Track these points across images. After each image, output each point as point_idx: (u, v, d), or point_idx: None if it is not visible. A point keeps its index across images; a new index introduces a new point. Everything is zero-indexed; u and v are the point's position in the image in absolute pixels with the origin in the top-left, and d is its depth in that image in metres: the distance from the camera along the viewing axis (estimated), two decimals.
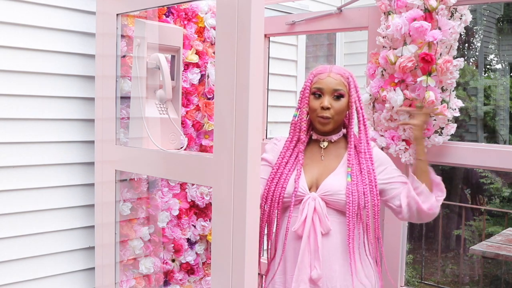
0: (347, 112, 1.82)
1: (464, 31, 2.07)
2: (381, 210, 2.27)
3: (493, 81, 7.92)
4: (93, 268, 2.16)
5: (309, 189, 1.77)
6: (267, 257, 1.88)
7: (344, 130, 1.86)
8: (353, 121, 1.80)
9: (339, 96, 1.76)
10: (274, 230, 1.82)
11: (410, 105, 2.01)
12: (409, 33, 1.97)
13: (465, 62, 7.73)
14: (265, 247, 1.92)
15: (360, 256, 1.76)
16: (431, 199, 1.77)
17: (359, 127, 1.81)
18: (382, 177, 1.81)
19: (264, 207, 1.80)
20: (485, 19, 8.32)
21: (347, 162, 1.77)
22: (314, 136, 1.85)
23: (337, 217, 1.76)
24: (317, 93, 1.77)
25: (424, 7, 1.94)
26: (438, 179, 1.83)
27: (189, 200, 2.30)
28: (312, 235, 1.72)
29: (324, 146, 1.83)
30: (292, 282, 1.71)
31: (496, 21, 8.49)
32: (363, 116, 1.80)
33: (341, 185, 1.74)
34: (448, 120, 2.03)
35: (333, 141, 1.84)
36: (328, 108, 1.75)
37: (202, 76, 2.31)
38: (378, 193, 1.77)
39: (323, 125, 1.77)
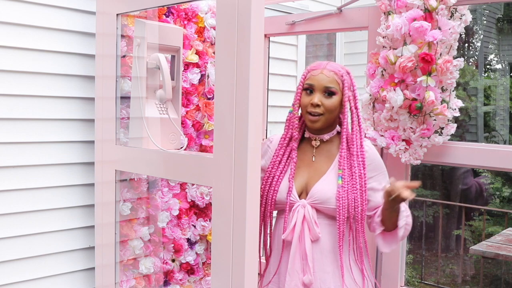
0: (341, 110, 1.77)
1: (464, 31, 2.08)
2: None
3: (493, 81, 7.92)
4: (93, 268, 2.16)
5: (299, 195, 1.75)
6: (265, 257, 1.88)
7: (338, 128, 1.82)
8: (346, 121, 1.75)
9: (330, 93, 1.72)
10: (268, 232, 1.83)
11: (410, 106, 2.01)
12: (409, 33, 1.97)
13: (465, 62, 7.73)
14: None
15: (350, 260, 1.74)
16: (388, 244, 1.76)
17: (353, 128, 1.76)
18: (369, 185, 1.77)
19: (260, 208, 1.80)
20: (485, 19, 8.32)
21: (338, 165, 1.73)
22: (307, 134, 1.83)
23: (328, 220, 1.74)
24: (309, 89, 1.74)
25: (424, 7, 1.95)
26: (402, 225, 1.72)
27: (189, 200, 2.30)
28: (302, 241, 1.71)
29: (316, 145, 1.80)
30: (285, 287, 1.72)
31: (496, 21, 8.49)
32: (358, 116, 1.75)
33: (330, 191, 1.71)
34: (448, 120, 2.03)
35: (325, 140, 1.80)
36: (318, 105, 1.71)
37: (202, 76, 2.31)
38: (366, 200, 1.73)
39: (313, 122, 1.73)
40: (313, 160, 1.80)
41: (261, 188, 1.79)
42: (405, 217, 1.72)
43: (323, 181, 1.74)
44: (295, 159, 1.77)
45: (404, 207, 1.73)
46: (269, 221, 1.80)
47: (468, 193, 6.72)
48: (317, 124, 1.74)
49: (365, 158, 1.75)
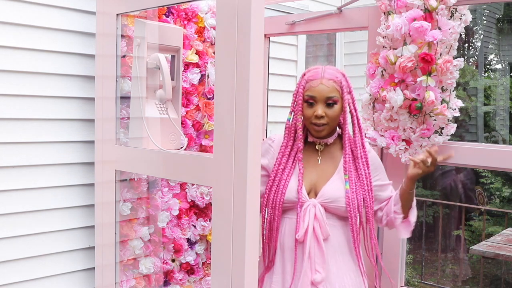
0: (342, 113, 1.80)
1: (464, 31, 2.08)
2: None
3: (493, 81, 7.93)
4: (93, 268, 2.16)
5: (308, 194, 1.78)
6: (265, 259, 1.88)
7: (338, 130, 1.86)
8: (347, 124, 1.80)
9: (332, 103, 1.74)
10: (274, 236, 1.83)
11: (410, 106, 2.01)
12: (409, 33, 1.97)
13: (465, 62, 7.73)
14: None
15: (359, 260, 1.80)
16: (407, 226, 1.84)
17: (353, 130, 1.80)
18: (374, 183, 1.84)
19: (265, 215, 1.81)
20: (485, 19, 8.32)
21: (344, 170, 1.78)
22: (310, 139, 1.85)
23: (334, 221, 1.78)
24: (310, 101, 1.75)
25: (424, 7, 1.95)
26: (414, 207, 1.85)
27: (189, 200, 2.30)
28: (313, 240, 1.73)
29: (320, 149, 1.84)
30: (294, 286, 1.73)
31: (496, 21, 8.50)
32: (357, 118, 1.79)
33: (339, 190, 1.75)
34: (448, 120, 2.03)
35: (329, 143, 1.84)
36: (322, 117, 1.74)
37: (202, 76, 2.31)
38: (373, 197, 1.81)
39: (318, 132, 1.77)
40: (319, 162, 1.83)
41: (265, 194, 1.80)
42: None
43: (331, 183, 1.78)
44: (302, 170, 1.78)
45: None
46: (276, 225, 1.79)
47: (446, 194, 6.75)
48: (322, 133, 1.78)
49: (368, 158, 1.80)
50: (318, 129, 1.76)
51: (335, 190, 1.75)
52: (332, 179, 1.78)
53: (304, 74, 1.79)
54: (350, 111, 1.78)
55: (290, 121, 1.80)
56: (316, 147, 1.84)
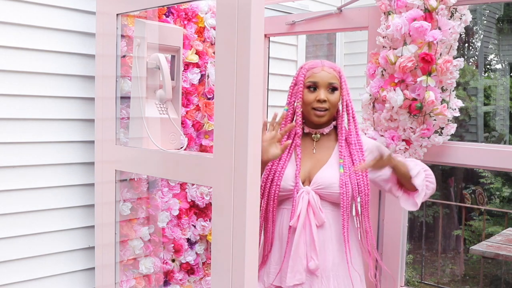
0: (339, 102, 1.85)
1: (464, 31, 2.08)
2: (381, 209, 2.28)
3: (493, 81, 7.92)
4: (93, 268, 2.16)
5: (302, 183, 1.81)
6: (263, 249, 1.89)
7: (334, 122, 1.89)
8: (343, 114, 1.84)
9: (333, 89, 1.80)
10: (270, 227, 1.84)
11: (410, 106, 2.01)
12: (409, 33, 1.97)
13: (465, 62, 7.72)
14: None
15: (355, 246, 1.81)
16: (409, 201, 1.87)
17: (348, 119, 1.85)
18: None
19: (261, 204, 1.82)
20: (485, 19, 8.32)
21: (339, 154, 1.81)
22: (306, 130, 1.88)
23: (331, 209, 1.79)
24: (312, 87, 1.80)
25: (424, 7, 1.95)
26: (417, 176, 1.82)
27: (189, 200, 2.30)
28: (307, 227, 1.76)
29: (316, 139, 1.86)
30: (287, 273, 1.75)
31: (496, 21, 8.49)
32: (352, 108, 1.84)
33: (333, 177, 1.77)
34: (448, 120, 2.04)
35: (325, 133, 1.87)
36: (324, 101, 1.78)
37: (202, 76, 2.31)
38: (368, 183, 1.81)
39: (319, 117, 1.80)
40: (314, 152, 1.85)
41: (262, 184, 1.82)
42: (418, 174, 1.81)
43: (325, 169, 1.80)
44: (300, 155, 1.81)
45: (414, 164, 1.84)
46: (271, 216, 1.82)
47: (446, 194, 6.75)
48: (323, 119, 1.81)
49: (363, 145, 1.83)
50: (319, 114, 1.79)
51: (328, 176, 1.78)
52: (326, 166, 1.81)
53: (302, 66, 1.84)
54: (346, 102, 1.83)
55: (286, 111, 1.85)
56: (312, 136, 1.87)
